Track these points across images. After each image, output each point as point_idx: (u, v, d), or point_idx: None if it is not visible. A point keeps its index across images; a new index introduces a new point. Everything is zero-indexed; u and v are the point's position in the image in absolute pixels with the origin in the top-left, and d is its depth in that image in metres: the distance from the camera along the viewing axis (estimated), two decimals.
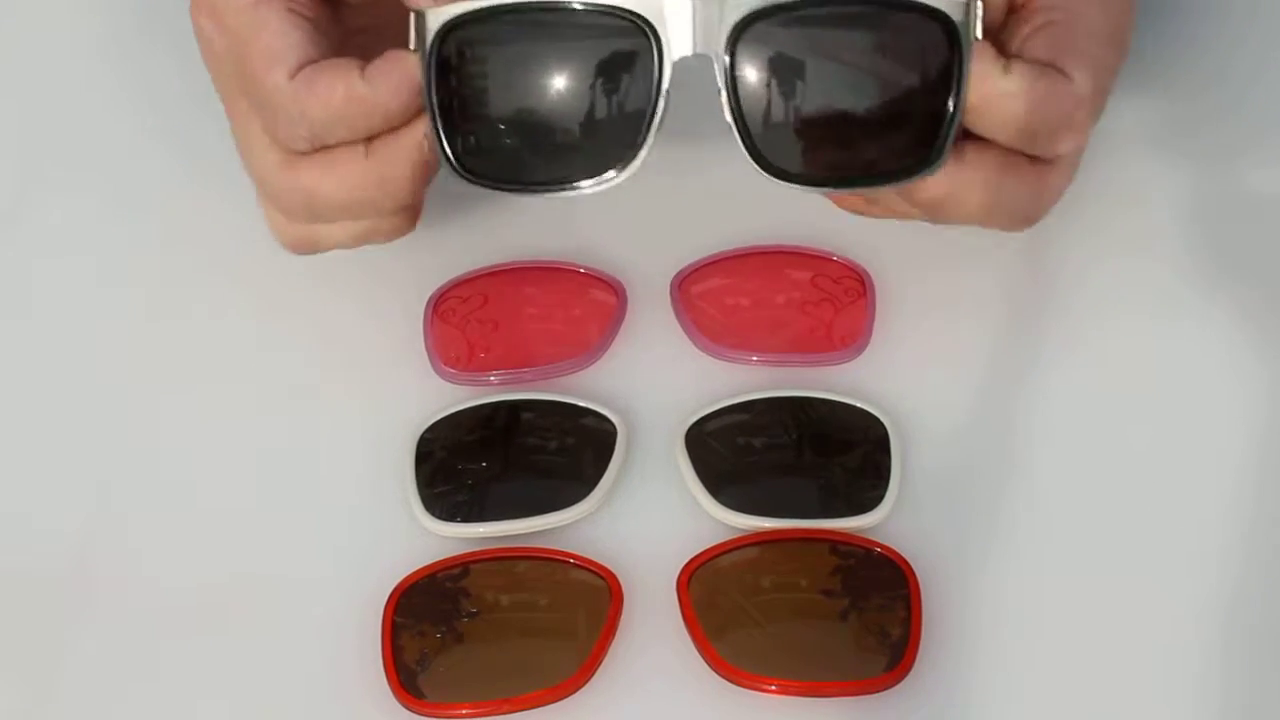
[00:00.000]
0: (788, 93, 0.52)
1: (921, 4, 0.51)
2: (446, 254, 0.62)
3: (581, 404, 0.58)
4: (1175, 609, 0.54)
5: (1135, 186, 0.63)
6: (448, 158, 0.53)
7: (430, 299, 0.61)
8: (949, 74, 0.51)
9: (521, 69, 0.52)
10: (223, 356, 0.60)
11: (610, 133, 0.52)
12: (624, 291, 0.61)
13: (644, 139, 0.52)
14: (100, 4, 0.69)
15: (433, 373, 0.60)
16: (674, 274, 0.61)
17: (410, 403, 0.59)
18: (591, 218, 0.62)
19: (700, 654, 0.53)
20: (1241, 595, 0.54)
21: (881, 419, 0.57)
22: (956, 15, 0.51)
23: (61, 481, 0.58)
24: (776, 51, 0.51)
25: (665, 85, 0.51)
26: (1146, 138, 0.63)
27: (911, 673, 0.52)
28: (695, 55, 0.51)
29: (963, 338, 0.59)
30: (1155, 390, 0.58)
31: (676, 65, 0.51)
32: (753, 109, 0.52)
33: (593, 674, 0.52)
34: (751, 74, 0.51)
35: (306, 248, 0.57)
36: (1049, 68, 0.53)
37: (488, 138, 0.53)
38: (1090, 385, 0.58)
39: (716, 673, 0.52)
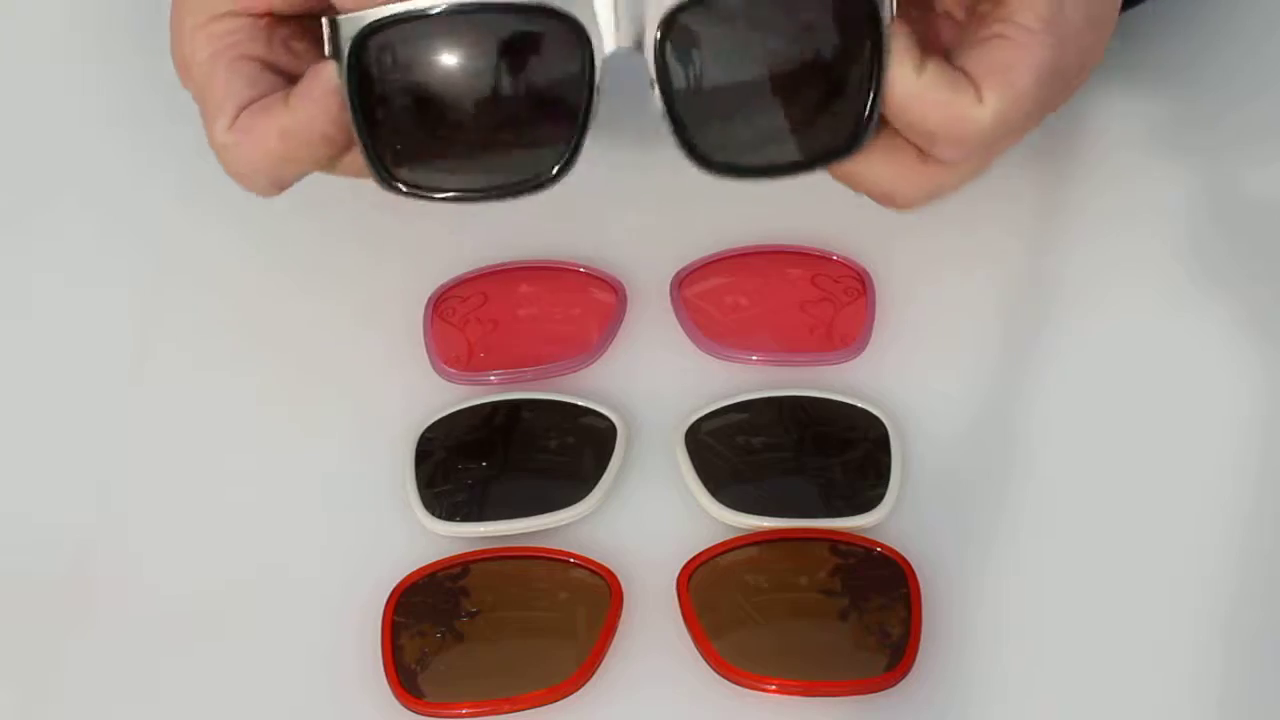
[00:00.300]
0: (716, 83, 0.51)
1: None
2: (446, 254, 0.62)
3: (581, 403, 0.58)
4: (1175, 608, 0.54)
5: (1135, 186, 0.63)
6: (377, 171, 0.52)
7: (430, 299, 0.61)
8: (870, 61, 0.51)
9: (447, 74, 0.51)
10: (222, 357, 0.60)
11: (544, 134, 0.51)
12: (624, 291, 0.61)
13: (579, 138, 0.51)
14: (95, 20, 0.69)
15: (433, 372, 0.60)
16: (674, 273, 0.61)
17: (410, 402, 0.59)
18: (591, 218, 0.62)
19: (700, 653, 0.53)
20: (1242, 595, 0.54)
21: (881, 418, 0.57)
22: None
23: (61, 482, 0.58)
24: (704, 42, 0.50)
25: (597, 81, 0.50)
26: (1147, 137, 0.63)
27: (911, 673, 0.52)
28: (625, 51, 0.50)
29: (963, 337, 0.59)
30: (1155, 390, 0.58)
31: (607, 60, 0.50)
32: (683, 101, 0.50)
33: (592, 674, 0.52)
34: (679, 66, 0.50)
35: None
36: (965, 80, 0.51)
37: (417, 148, 0.52)
38: (1090, 384, 0.58)
39: (716, 672, 0.52)
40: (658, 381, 0.59)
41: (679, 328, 0.60)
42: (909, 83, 0.51)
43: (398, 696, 0.52)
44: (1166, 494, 0.56)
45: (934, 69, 0.51)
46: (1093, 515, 0.56)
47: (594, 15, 0.49)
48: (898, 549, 0.54)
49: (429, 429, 0.58)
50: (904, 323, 0.60)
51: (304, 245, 0.63)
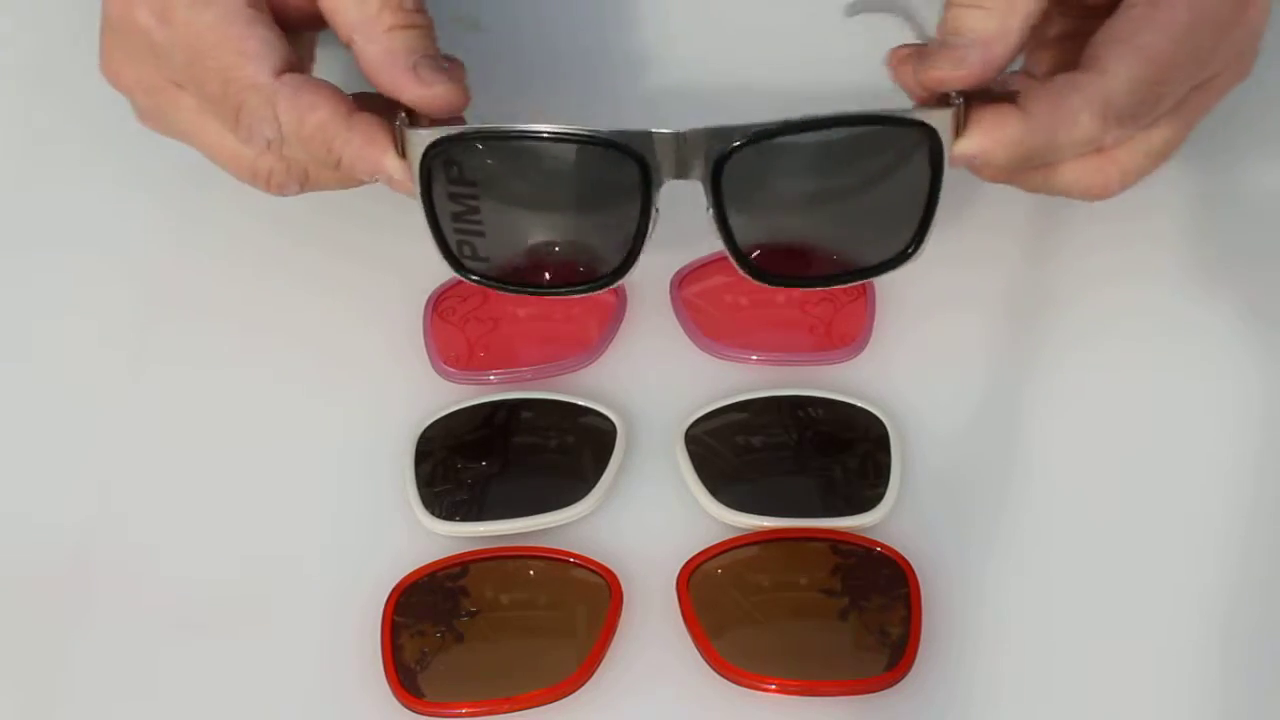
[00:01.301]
0: (771, 212, 0.55)
1: (902, 117, 0.52)
2: None
3: (581, 403, 0.58)
4: (1175, 607, 0.54)
5: (1136, 186, 0.63)
6: (449, 259, 0.55)
7: (430, 298, 0.61)
8: (929, 183, 0.53)
9: (516, 191, 0.55)
10: (222, 356, 0.60)
11: (604, 249, 0.55)
12: (623, 290, 0.61)
13: (636, 252, 0.54)
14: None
15: (432, 372, 0.60)
16: (673, 273, 0.61)
17: (410, 402, 0.59)
18: None
19: (700, 653, 0.53)
20: (1242, 595, 0.54)
21: (881, 418, 0.57)
22: (939, 125, 0.52)
23: (61, 482, 0.58)
24: (758, 176, 0.53)
25: (654, 207, 0.54)
26: None
27: (911, 672, 0.52)
28: (682, 181, 0.53)
29: (963, 337, 0.59)
30: (1155, 390, 0.58)
31: (664, 190, 0.53)
32: (740, 226, 0.54)
33: (592, 673, 0.52)
34: (735, 198, 0.53)
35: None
36: (1067, 79, 0.52)
37: (486, 249, 0.55)
38: (1090, 384, 0.58)
39: (716, 672, 0.52)
40: (658, 381, 0.59)
41: (679, 328, 0.60)
42: (1017, 134, 0.52)
43: (397, 696, 0.52)
44: (1166, 494, 0.56)
45: (1022, 108, 0.52)
46: (1092, 515, 0.56)
47: (653, 149, 0.52)
48: (898, 549, 0.54)
49: (429, 428, 0.58)
50: (904, 323, 0.60)
51: (304, 245, 0.63)
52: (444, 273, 0.61)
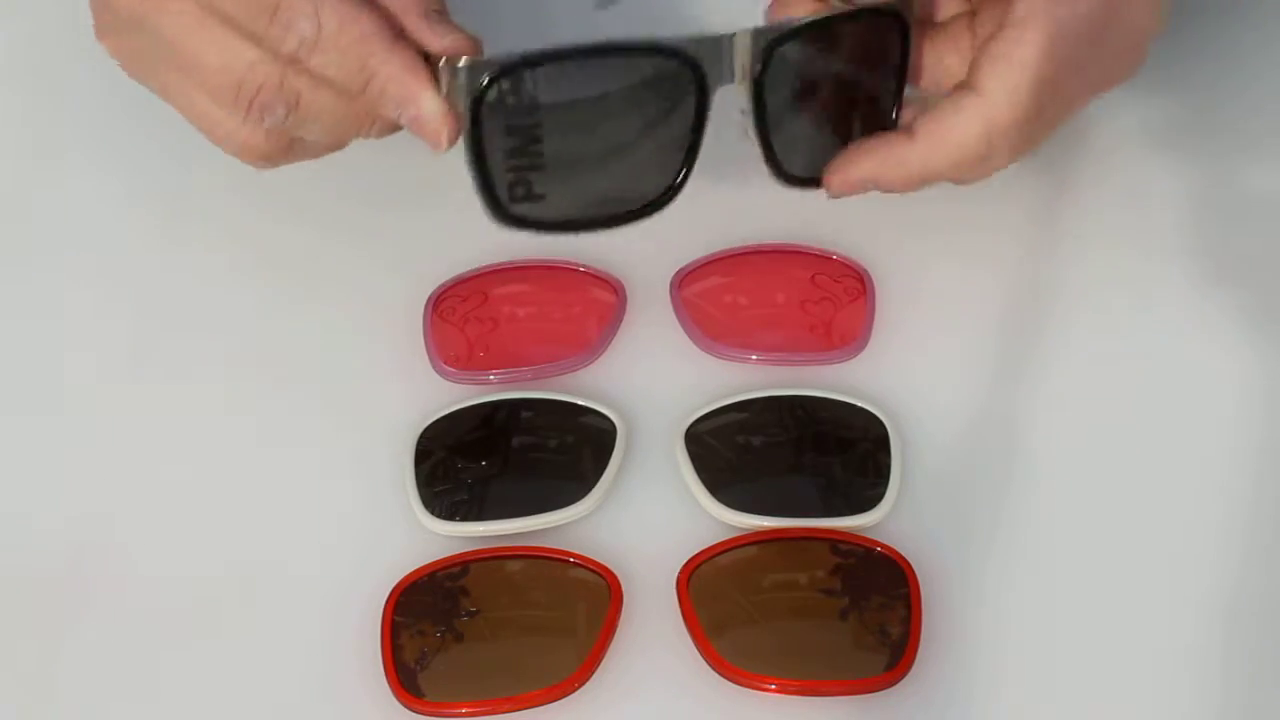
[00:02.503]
0: (800, 108, 0.57)
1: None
2: (446, 253, 0.62)
3: (581, 403, 0.58)
4: (1175, 607, 0.54)
5: (1135, 186, 0.63)
6: (489, 203, 0.54)
7: (430, 298, 0.61)
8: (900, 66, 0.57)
9: (563, 118, 0.53)
10: (222, 355, 0.60)
11: (654, 167, 0.55)
12: (623, 290, 0.61)
13: (690, 165, 0.55)
14: None
15: (433, 372, 0.60)
16: (674, 273, 0.61)
17: (410, 402, 0.59)
18: None
19: (700, 653, 0.53)
20: (1242, 594, 0.54)
21: (881, 418, 0.57)
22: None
23: (60, 481, 0.58)
24: (787, 79, 0.55)
25: (709, 113, 0.54)
26: (1146, 137, 0.64)
27: (911, 672, 0.52)
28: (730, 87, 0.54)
29: (963, 337, 0.59)
30: (1155, 389, 0.58)
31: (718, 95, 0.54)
32: (774, 126, 0.56)
33: (592, 673, 0.52)
34: (774, 97, 0.55)
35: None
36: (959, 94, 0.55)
37: (532, 182, 0.54)
38: (1090, 384, 0.58)
39: (716, 671, 0.52)
40: (658, 381, 0.59)
41: (679, 327, 0.60)
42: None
43: (397, 696, 0.52)
44: (1166, 494, 0.56)
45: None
46: (1092, 515, 0.56)
47: (709, 56, 0.53)
48: (898, 549, 0.54)
49: (429, 428, 0.58)
50: (904, 323, 0.60)
51: (304, 245, 0.63)
52: (444, 272, 0.62)
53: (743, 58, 0.54)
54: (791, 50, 0.55)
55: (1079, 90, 0.57)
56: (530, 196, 0.54)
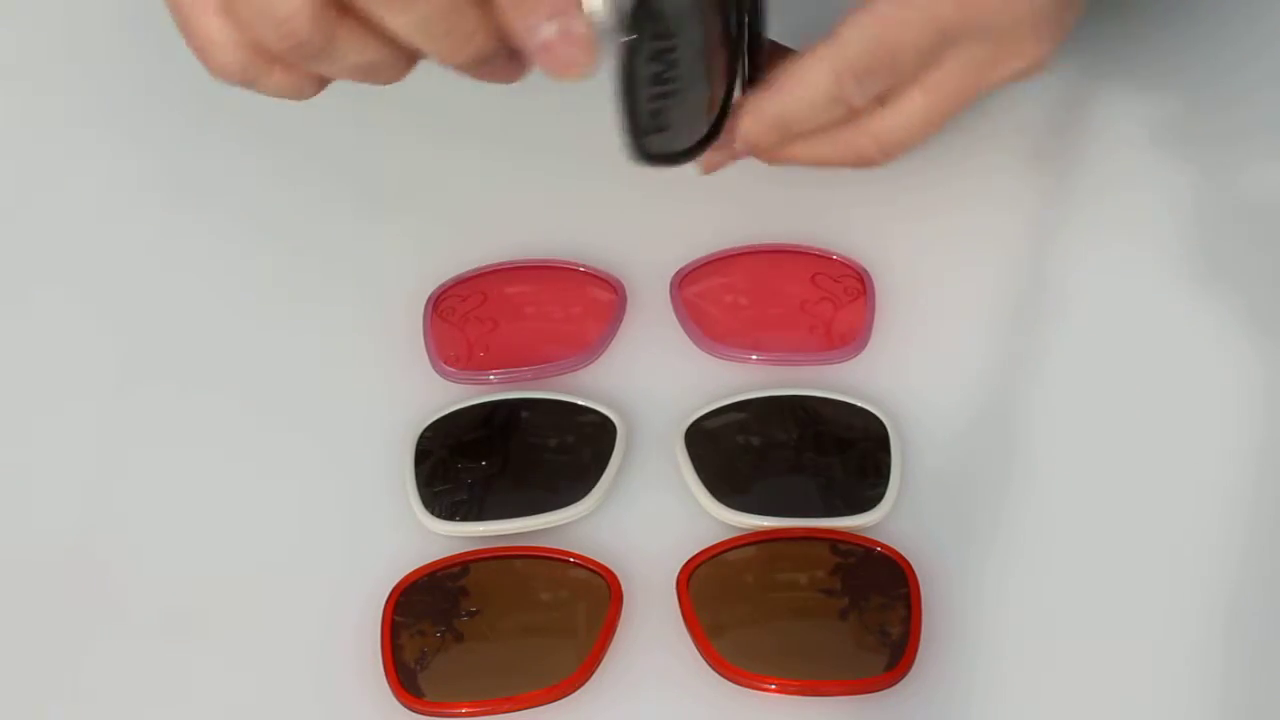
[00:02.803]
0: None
1: None
2: (446, 253, 0.62)
3: (581, 403, 0.58)
4: (1175, 607, 0.54)
5: (1135, 186, 0.63)
6: (635, 140, 0.52)
7: (430, 298, 0.61)
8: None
9: (702, 34, 0.53)
10: (222, 355, 0.60)
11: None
12: (623, 290, 0.61)
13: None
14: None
15: (432, 372, 0.60)
16: (673, 272, 0.61)
17: (410, 402, 0.59)
18: (591, 217, 0.62)
19: (700, 653, 0.53)
20: (1242, 593, 0.54)
21: (881, 418, 0.57)
22: None
23: (60, 481, 0.58)
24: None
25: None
26: (1146, 138, 0.64)
27: (911, 672, 0.52)
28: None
29: (963, 337, 0.59)
30: (1155, 389, 0.58)
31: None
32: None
33: (592, 673, 0.52)
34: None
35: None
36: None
37: (672, 116, 0.53)
38: (1090, 384, 0.58)
39: (716, 671, 0.52)
40: (658, 381, 0.59)
41: (679, 327, 0.60)
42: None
43: (397, 696, 0.52)
44: (1166, 493, 0.56)
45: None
46: (1093, 514, 0.56)
47: None
48: (898, 549, 0.54)
49: (428, 428, 0.58)
50: (904, 323, 0.60)
51: (304, 244, 0.63)
52: (444, 272, 0.62)
53: None
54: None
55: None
56: (663, 128, 0.53)
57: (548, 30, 0.46)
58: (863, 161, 0.58)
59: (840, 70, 0.55)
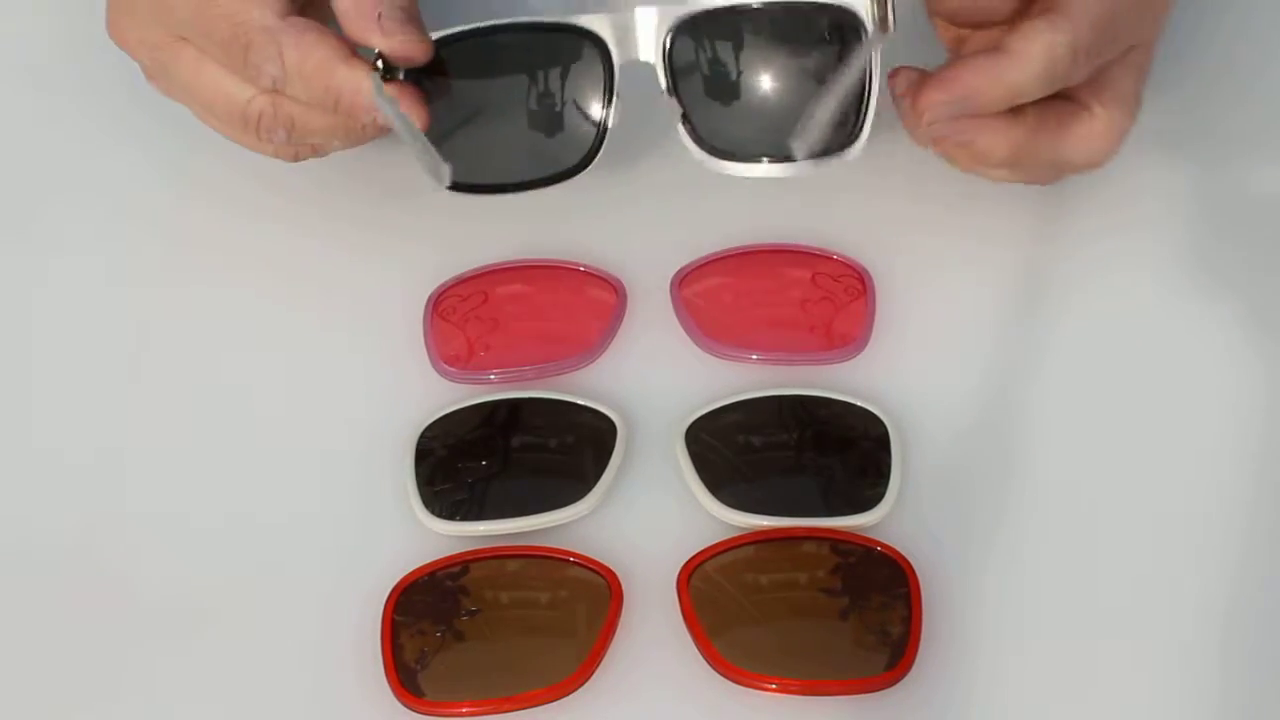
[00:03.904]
0: (721, 85, 0.58)
1: (827, 4, 0.56)
2: (446, 253, 0.62)
3: (581, 402, 0.58)
4: (1175, 607, 0.54)
5: (1135, 186, 0.63)
6: (434, 174, 0.57)
7: (430, 297, 0.61)
8: (862, 68, 0.56)
9: (488, 90, 0.58)
10: (222, 356, 0.60)
11: (573, 133, 0.58)
12: (623, 290, 0.61)
13: (602, 137, 0.58)
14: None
15: (433, 371, 0.60)
16: (673, 272, 0.61)
17: (410, 401, 0.59)
18: (591, 217, 0.62)
19: (700, 652, 0.53)
20: (1242, 593, 0.54)
21: (881, 417, 0.57)
22: (861, 10, 0.56)
23: (61, 481, 0.58)
24: (706, 50, 0.57)
25: (616, 86, 0.57)
26: (1146, 136, 0.63)
27: (911, 672, 0.52)
28: (635, 62, 0.57)
29: (963, 336, 0.59)
30: (1155, 389, 0.58)
31: (623, 69, 0.57)
32: (692, 100, 0.57)
33: (592, 672, 0.52)
34: (686, 75, 0.57)
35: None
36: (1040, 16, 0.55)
37: (463, 150, 0.57)
38: (1090, 384, 0.58)
39: (716, 671, 0.52)
40: (658, 381, 0.59)
41: (679, 327, 0.60)
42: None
43: (398, 695, 0.52)
44: (1166, 493, 0.56)
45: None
46: (1092, 514, 0.56)
47: (610, 32, 0.57)
48: (898, 548, 0.54)
49: (429, 428, 0.58)
50: (904, 322, 0.60)
51: (304, 244, 0.63)
52: (444, 272, 0.62)
53: (648, 35, 0.57)
54: (702, 31, 0.57)
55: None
56: (456, 161, 0.57)
57: (379, 120, 0.56)
58: (1100, 158, 0.58)
59: (1078, 49, 0.55)
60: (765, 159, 0.57)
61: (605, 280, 0.61)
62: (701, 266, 0.62)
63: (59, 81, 0.68)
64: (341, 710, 0.53)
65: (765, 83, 0.57)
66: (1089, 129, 0.57)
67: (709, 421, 0.58)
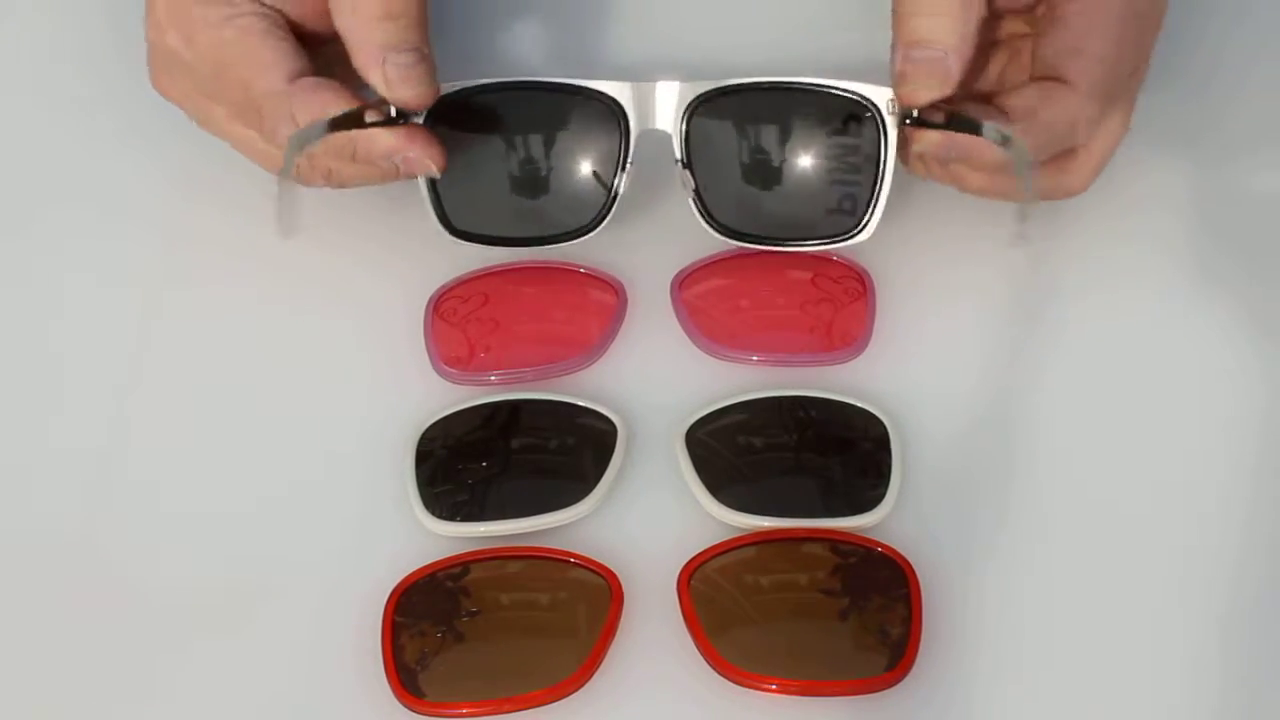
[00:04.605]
0: (735, 163, 0.59)
1: (848, 93, 0.57)
2: (446, 254, 0.62)
3: (581, 403, 0.58)
4: (1175, 607, 0.54)
5: (1135, 188, 0.63)
6: (440, 219, 0.59)
7: (430, 299, 0.61)
8: (875, 155, 0.57)
9: (504, 144, 0.59)
10: (222, 356, 0.60)
11: (583, 194, 0.59)
12: (624, 291, 0.61)
13: (613, 201, 0.59)
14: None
15: (433, 372, 0.60)
16: (674, 274, 0.61)
17: (410, 402, 0.59)
18: None
19: (700, 653, 0.53)
20: (1243, 593, 0.54)
21: (881, 418, 0.57)
22: (880, 102, 0.57)
23: (60, 481, 0.58)
24: (724, 127, 0.58)
25: (630, 154, 0.59)
26: (1146, 136, 0.63)
27: (911, 672, 0.52)
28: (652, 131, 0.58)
29: (963, 337, 0.59)
30: (1155, 390, 0.58)
31: (640, 137, 0.58)
32: (706, 179, 0.59)
33: (593, 673, 0.52)
34: (703, 149, 0.58)
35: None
36: (1049, 84, 0.56)
37: (474, 202, 0.59)
38: (1090, 385, 0.58)
39: (716, 672, 0.52)
40: (658, 381, 0.59)
41: (679, 328, 0.60)
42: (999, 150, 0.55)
43: (398, 696, 0.52)
44: (1166, 493, 0.56)
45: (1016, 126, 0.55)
46: (1092, 514, 0.56)
47: (630, 99, 0.58)
48: (898, 549, 0.54)
49: (429, 429, 0.58)
50: (904, 323, 0.60)
51: (304, 245, 0.62)
52: (445, 273, 0.62)
53: (668, 107, 0.58)
54: (721, 107, 0.58)
55: (1140, 58, 0.58)
56: (466, 212, 0.59)
57: (399, 165, 0.58)
58: (1075, 190, 0.59)
59: (1081, 120, 0.56)
60: (773, 242, 0.59)
61: (606, 281, 0.61)
62: (702, 268, 0.62)
63: (62, 81, 0.68)
64: (342, 710, 0.53)
65: (780, 166, 0.59)
66: (1077, 163, 0.58)
67: (709, 423, 0.58)
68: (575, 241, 0.59)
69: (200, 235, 0.63)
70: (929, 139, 0.56)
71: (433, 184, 0.59)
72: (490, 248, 0.60)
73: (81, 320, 0.62)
